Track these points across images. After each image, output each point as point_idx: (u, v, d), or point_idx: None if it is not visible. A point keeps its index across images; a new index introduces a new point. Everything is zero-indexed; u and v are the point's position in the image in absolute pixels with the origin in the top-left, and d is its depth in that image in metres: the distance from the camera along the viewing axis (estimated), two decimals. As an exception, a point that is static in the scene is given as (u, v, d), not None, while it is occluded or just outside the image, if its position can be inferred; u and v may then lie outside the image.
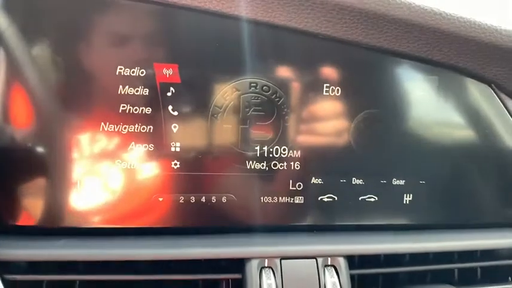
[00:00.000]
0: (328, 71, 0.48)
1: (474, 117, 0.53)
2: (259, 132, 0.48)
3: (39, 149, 0.45)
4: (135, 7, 0.44)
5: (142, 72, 0.45)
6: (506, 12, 0.54)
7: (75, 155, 0.45)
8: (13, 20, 0.42)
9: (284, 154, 0.49)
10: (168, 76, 0.45)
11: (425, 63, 0.49)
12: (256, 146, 0.48)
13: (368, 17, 0.45)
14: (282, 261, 0.46)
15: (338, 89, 0.49)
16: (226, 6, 0.43)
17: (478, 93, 0.53)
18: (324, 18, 0.44)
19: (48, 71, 0.44)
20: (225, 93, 0.47)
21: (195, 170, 0.47)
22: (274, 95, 0.48)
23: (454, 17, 0.46)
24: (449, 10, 0.46)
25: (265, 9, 0.43)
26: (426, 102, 0.52)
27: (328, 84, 0.48)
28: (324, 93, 0.49)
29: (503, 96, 0.53)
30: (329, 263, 0.47)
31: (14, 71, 0.43)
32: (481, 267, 0.55)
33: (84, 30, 0.44)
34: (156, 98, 0.46)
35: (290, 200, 0.50)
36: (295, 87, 0.48)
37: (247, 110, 0.48)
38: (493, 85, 0.52)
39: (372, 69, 0.50)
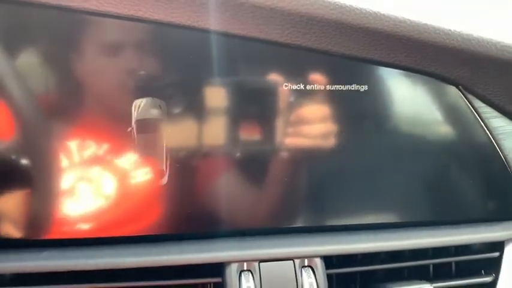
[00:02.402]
0: (309, 82, 0.50)
1: (444, 117, 0.55)
2: (246, 141, 0.49)
3: (23, 161, 0.45)
4: (116, 22, 0.45)
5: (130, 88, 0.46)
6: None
7: (59, 166, 0.46)
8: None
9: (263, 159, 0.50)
10: None
11: (394, 68, 0.51)
12: (238, 153, 0.50)
13: (336, 26, 0.46)
14: (261, 264, 0.48)
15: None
16: (196, 20, 0.44)
17: (446, 94, 0.54)
18: (293, 29, 0.46)
19: (33, 85, 0.45)
20: (213, 106, 0.48)
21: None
22: (260, 102, 0.49)
23: (419, 24, 0.48)
24: (414, 17, 0.48)
25: (234, 22, 0.45)
26: (399, 104, 0.54)
27: (310, 94, 0.50)
28: (306, 98, 0.50)
29: (470, 96, 0.55)
30: (306, 264, 0.49)
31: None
32: (455, 262, 0.57)
33: (67, 43, 0.45)
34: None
35: (268, 203, 0.51)
36: (278, 93, 0.49)
37: (232, 116, 0.49)
38: (460, 87, 0.54)
39: (348, 75, 0.51)
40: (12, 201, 0.46)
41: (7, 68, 0.44)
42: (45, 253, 0.45)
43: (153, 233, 0.49)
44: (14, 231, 0.46)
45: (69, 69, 0.45)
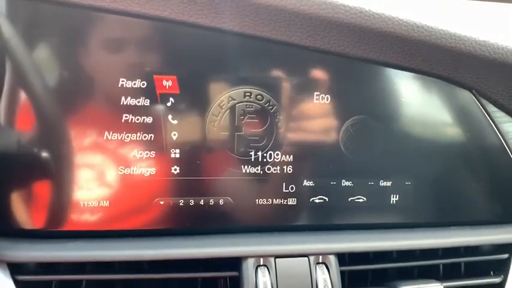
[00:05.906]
0: (318, 80, 0.51)
1: (457, 121, 0.56)
2: (254, 139, 0.51)
3: (44, 155, 0.47)
4: (135, 20, 0.47)
5: (143, 84, 0.48)
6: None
7: (78, 161, 0.48)
8: (17, 29, 0.45)
9: (277, 159, 0.52)
10: (167, 87, 0.48)
11: (410, 71, 0.52)
12: (251, 152, 0.51)
13: (355, 30, 0.47)
14: (277, 259, 0.50)
15: (328, 97, 0.52)
16: (220, 22, 0.45)
17: (460, 98, 0.56)
18: (314, 32, 0.47)
19: (52, 79, 0.46)
20: (221, 102, 0.50)
21: (194, 174, 0.50)
22: (268, 104, 0.51)
23: (435, 29, 0.49)
24: (430, 23, 0.49)
25: (257, 24, 0.46)
26: (411, 107, 0.55)
27: (318, 92, 0.51)
28: (315, 100, 0.52)
29: (483, 101, 0.56)
30: (320, 261, 0.50)
31: (19, 79, 0.45)
32: (465, 263, 0.58)
33: (86, 42, 0.46)
34: (157, 108, 0.48)
35: (284, 201, 0.53)
36: (287, 95, 0.51)
37: (242, 117, 0.51)
38: (474, 91, 0.55)
39: (359, 77, 0.53)
40: (37, 194, 0.48)
41: (30, 64, 0.46)
42: (71, 244, 0.47)
43: (172, 227, 0.51)
44: (39, 223, 0.48)
45: (85, 64, 0.47)
